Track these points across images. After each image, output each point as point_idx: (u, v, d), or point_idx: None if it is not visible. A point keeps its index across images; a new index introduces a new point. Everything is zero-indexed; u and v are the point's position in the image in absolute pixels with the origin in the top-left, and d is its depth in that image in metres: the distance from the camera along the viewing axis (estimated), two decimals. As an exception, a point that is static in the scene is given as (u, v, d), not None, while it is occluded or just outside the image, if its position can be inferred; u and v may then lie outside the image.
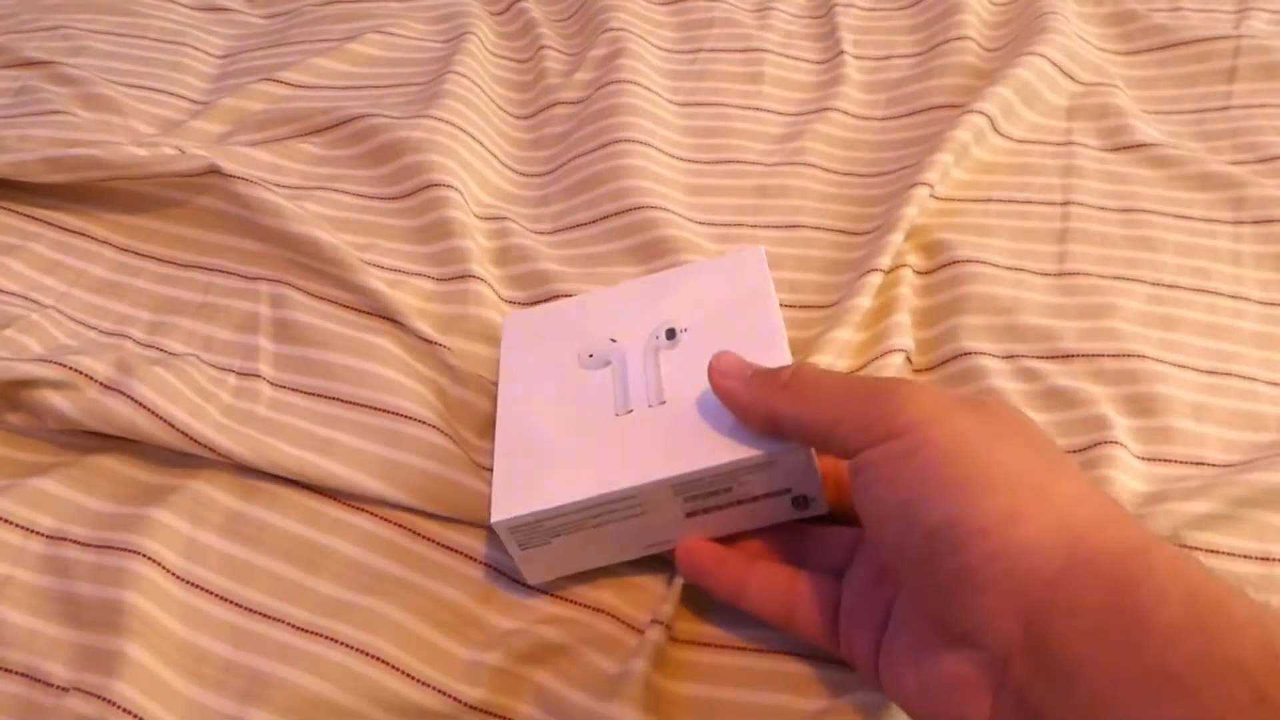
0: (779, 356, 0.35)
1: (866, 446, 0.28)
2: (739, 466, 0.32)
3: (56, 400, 0.40)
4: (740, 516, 0.34)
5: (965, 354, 0.41)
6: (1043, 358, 0.41)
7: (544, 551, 0.35)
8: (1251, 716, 0.21)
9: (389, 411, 0.40)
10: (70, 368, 0.40)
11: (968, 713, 0.26)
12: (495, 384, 0.42)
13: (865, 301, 0.42)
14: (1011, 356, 0.42)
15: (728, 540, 0.35)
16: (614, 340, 0.38)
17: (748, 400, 0.32)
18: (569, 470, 0.34)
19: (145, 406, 0.39)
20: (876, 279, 0.43)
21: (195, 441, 0.39)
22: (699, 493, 0.33)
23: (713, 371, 0.33)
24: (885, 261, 0.44)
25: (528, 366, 0.38)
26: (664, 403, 0.35)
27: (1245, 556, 0.36)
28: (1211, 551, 0.36)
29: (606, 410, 0.36)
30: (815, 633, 0.33)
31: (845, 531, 0.35)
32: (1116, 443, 0.38)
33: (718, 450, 0.33)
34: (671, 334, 0.37)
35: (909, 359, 0.42)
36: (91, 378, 0.40)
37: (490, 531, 0.39)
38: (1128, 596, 0.23)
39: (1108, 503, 0.27)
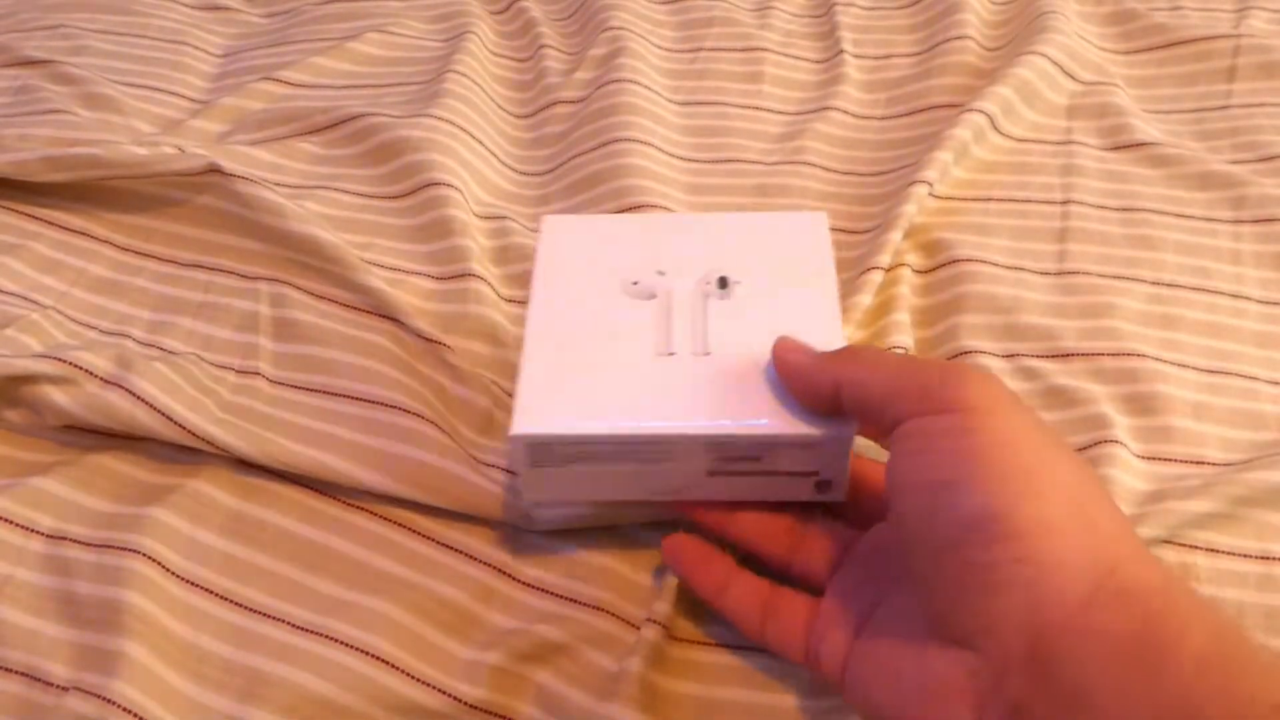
0: (832, 328, 0.35)
1: (919, 414, 0.27)
2: (782, 440, 0.32)
3: (56, 395, 0.40)
4: (760, 487, 0.34)
5: (965, 353, 0.41)
6: (1042, 357, 0.41)
7: (552, 474, 0.34)
8: None
9: (388, 406, 0.40)
10: (70, 363, 0.40)
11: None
12: (495, 380, 0.42)
13: (866, 299, 0.42)
14: (1011, 355, 0.42)
15: (731, 508, 0.35)
16: (662, 273, 0.37)
17: (811, 367, 0.31)
18: (603, 399, 0.33)
19: (145, 400, 0.39)
20: (877, 277, 0.43)
21: (194, 435, 0.39)
22: (730, 455, 0.33)
23: (777, 347, 0.32)
24: (885, 259, 0.44)
25: (566, 277, 0.37)
26: (709, 354, 0.34)
27: (1245, 556, 0.36)
28: (1211, 550, 0.36)
29: (646, 346, 0.35)
30: (786, 646, 0.32)
31: (842, 532, 0.34)
32: (1116, 441, 0.38)
33: (764, 418, 0.32)
34: (724, 283, 0.36)
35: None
36: (91, 373, 0.40)
37: (490, 527, 0.39)
38: (1153, 627, 0.23)
39: (1139, 540, 0.26)
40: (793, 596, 0.33)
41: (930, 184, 0.46)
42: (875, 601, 0.31)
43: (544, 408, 0.33)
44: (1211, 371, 0.41)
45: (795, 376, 0.32)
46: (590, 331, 0.35)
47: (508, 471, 0.39)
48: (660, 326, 0.35)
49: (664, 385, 0.33)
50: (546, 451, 0.33)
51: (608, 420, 0.33)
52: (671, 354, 0.34)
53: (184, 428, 0.39)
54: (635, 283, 0.37)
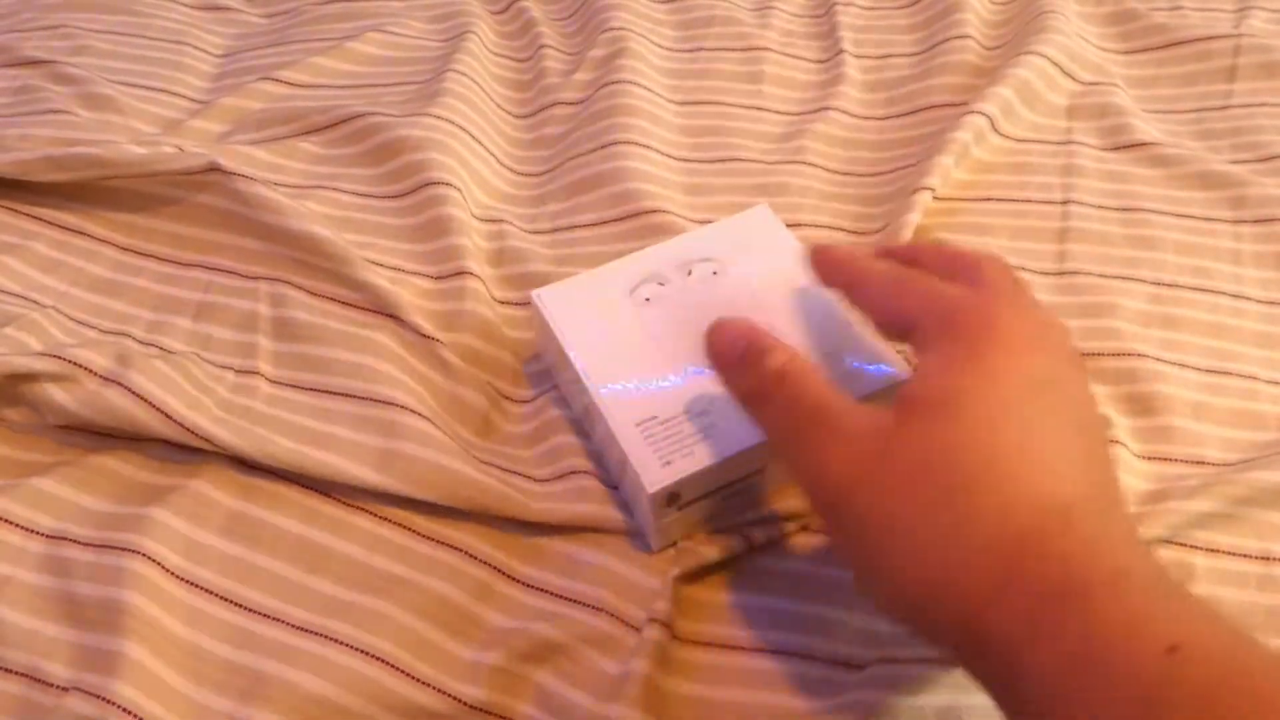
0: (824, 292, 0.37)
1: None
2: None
3: (56, 393, 0.40)
4: None
5: None
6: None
7: (678, 517, 0.36)
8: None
9: (386, 403, 0.40)
10: (69, 360, 0.40)
11: None
12: (490, 380, 0.42)
13: None
14: None
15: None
16: (662, 284, 0.39)
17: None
18: (705, 429, 0.35)
19: (143, 398, 0.39)
20: None
21: (193, 433, 0.39)
22: None
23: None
24: None
25: (591, 331, 0.38)
26: None
27: (1245, 555, 0.36)
28: (1212, 550, 0.36)
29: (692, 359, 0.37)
30: None
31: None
32: (1117, 442, 0.38)
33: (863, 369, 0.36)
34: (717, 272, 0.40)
35: (907, 359, 0.42)
36: (91, 370, 0.40)
37: (489, 526, 0.39)
38: (1055, 647, 0.24)
39: (1024, 516, 0.26)
40: None
41: (934, 190, 0.46)
42: None
43: (663, 456, 0.35)
44: (1212, 371, 0.41)
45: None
46: (648, 374, 0.37)
47: (505, 470, 0.39)
48: (695, 337, 0.36)
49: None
50: (679, 498, 0.35)
51: (728, 442, 0.35)
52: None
53: (183, 425, 0.39)
54: (647, 299, 0.39)
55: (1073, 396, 0.29)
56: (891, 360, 0.37)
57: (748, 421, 0.33)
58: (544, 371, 0.43)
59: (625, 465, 0.35)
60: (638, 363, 0.37)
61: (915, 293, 0.31)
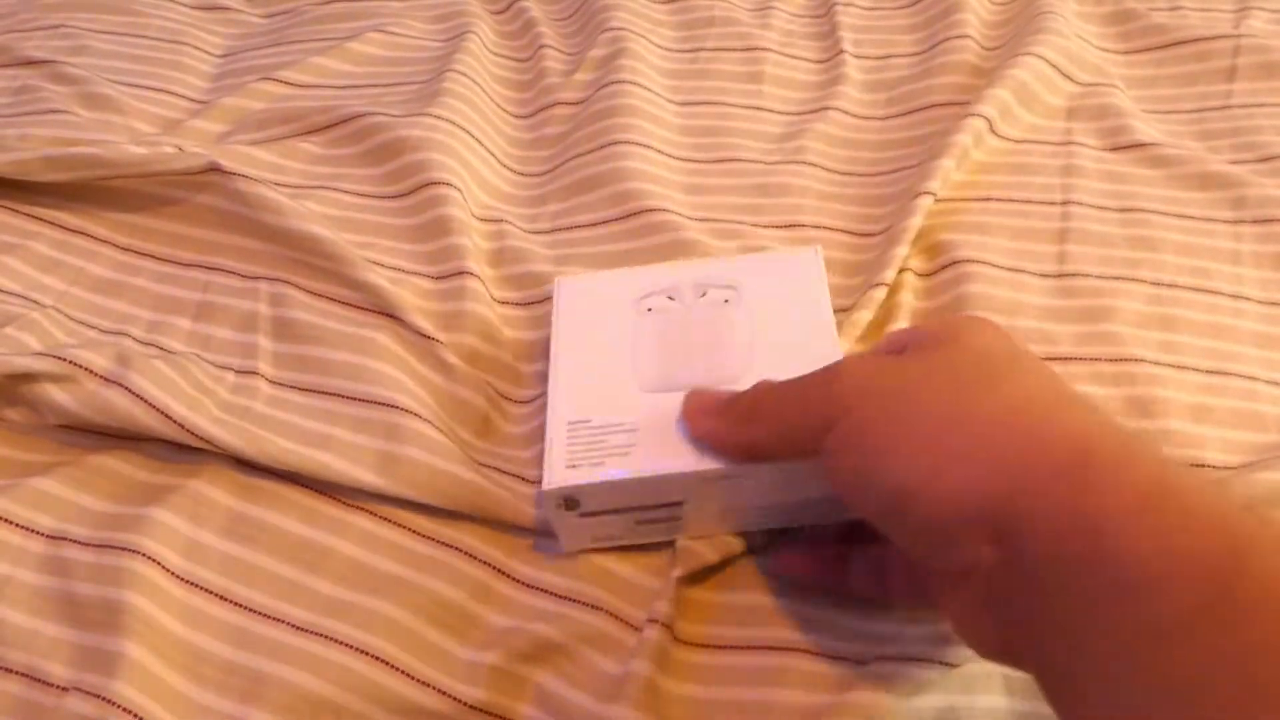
0: (831, 350, 0.37)
1: (821, 439, 0.29)
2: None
3: (56, 393, 0.40)
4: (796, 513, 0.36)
5: None
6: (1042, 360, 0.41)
7: (588, 523, 0.36)
8: (1210, 614, 0.21)
9: (386, 405, 0.40)
10: (69, 360, 0.40)
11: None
12: (490, 381, 0.42)
13: (868, 315, 0.42)
14: None
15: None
16: (671, 299, 0.39)
17: (726, 436, 0.33)
18: (632, 443, 0.35)
19: (143, 398, 0.39)
20: (880, 294, 0.43)
21: (192, 434, 0.39)
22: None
23: (686, 412, 0.34)
24: (890, 275, 0.43)
25: (583, 326, 0.39)
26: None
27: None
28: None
29: (662, 380, 0.36)
30: (867, 588, 0.35)
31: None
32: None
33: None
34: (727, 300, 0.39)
35: None
36: (91, 370, 0.40)
37: (488, 527, 0.39)
38: (1081, 502, 0.24)
39: (1036, 408, 0.27)
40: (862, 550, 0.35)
41: (935, 195, 0.46)
42: None
43: (572, 459, 0.34)
44: (1211, 372, 0.41)
45: (714, 442, 0.33)
46: (609, 379, 0.37)
47: (503, 473, 0.39)
48: (674, 358, 0.37)
49: (676, 428, 0.35)
50: (578, 504, 0.35)
51: (640, 464, 0.34)
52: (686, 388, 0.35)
53: (182, 426, 0.39)
54: (650, 310, 0.39)
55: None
56: None
57: (673, 451, 0.33)
58: (543, 373, 0.43)
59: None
60: (606, 367, 0.37)
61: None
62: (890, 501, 0.27)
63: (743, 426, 0.32)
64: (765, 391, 0.32)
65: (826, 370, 0.30)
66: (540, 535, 0.38)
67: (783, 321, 0.38)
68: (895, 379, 0.29)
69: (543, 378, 0.43)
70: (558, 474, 0.34)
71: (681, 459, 0.34)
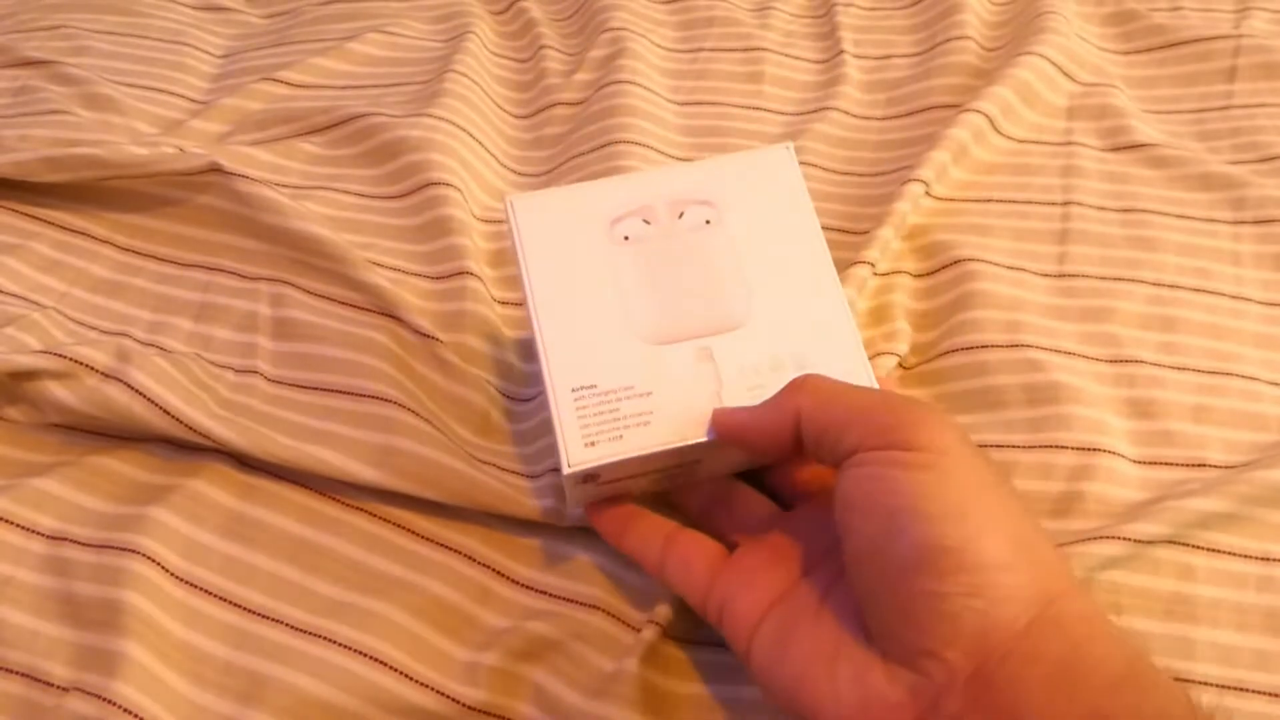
0: (826, 272, 0.35)
1: (876, 448, 0.28)
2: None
3: (56, 390, 0.40)
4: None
5: (976, 347, 0.41)
6: (1046, 349, 0.41)
7: (596, 488, 0.34)
8: None
9: (382, 399, 0.40)
10: (70, 358, 0.40)
11: None
12: (490, 380, 0.42)
13: (850, 293, 0.42)
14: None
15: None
16: (647, 222, 0.35)
17: (760, 418, 0.31)
18: (644, 416, 0.33)
19: (142, 394, 0.39)
20: (863, 271, 0.43)
21: (191, 429, 0.39)
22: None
23: (715, 423, 0.32)
24: (874, 255, 0.44)
25: (559, 269, 0.35)
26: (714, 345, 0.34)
27: (1245, 556, 0.36)
28: (1213, 551, 0.36)
29: (656, 334, 0.34)
30: (686, 582, 0.33)
31: (765, 505, 0.35)
32: (1115, 452, 0.38)
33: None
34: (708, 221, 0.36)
35: (900, 364, 0.42)
36: (91, 367, 0.40)
37: (487, 527, 0.39)
38: (1080, 652, 0.25)
39: (1072, 574, 0.28)
40: (700, 537, 0.34)
41: (926, 183, 0.46)
42: (794, 577, 0.31)
43: (588, 435, 0.32)
44: (1212, 373, 0.41)
45: (746, 435, 0.31)
46: (604, 331, 0.34)
47: (505, 470, 0.39)
48: (670, 302, 0.34)
49: (691, 387, 0.33)
50: (597, 477, 0.33)
51: (664, 435, 0.32)
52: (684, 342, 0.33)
53: (181, 422, 0.39)
54: (626, 238, 0.35)
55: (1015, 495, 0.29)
56: (861, 369, 0.34)
57: (696, 416, 0.32)
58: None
59: (552, 426, 0.33)
60: (594, 314, 0.34)
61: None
62: (929, 555, 0.26)
63: (792, 397, 0.31)
64: (825, 379, 0.31)
65: (915, 400, 0.30)
66: (540, 527, 0.38)
67: (768, 234, 0.35)
68: (980, 460, 0.28)
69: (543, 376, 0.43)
70: (577, 453, 0.32)
71: (706, 425, 0.32)
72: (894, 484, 0.27)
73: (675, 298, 0.34)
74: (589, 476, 0.32)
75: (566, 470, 0.32)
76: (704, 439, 0.32)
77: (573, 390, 0.33)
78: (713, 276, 0.35)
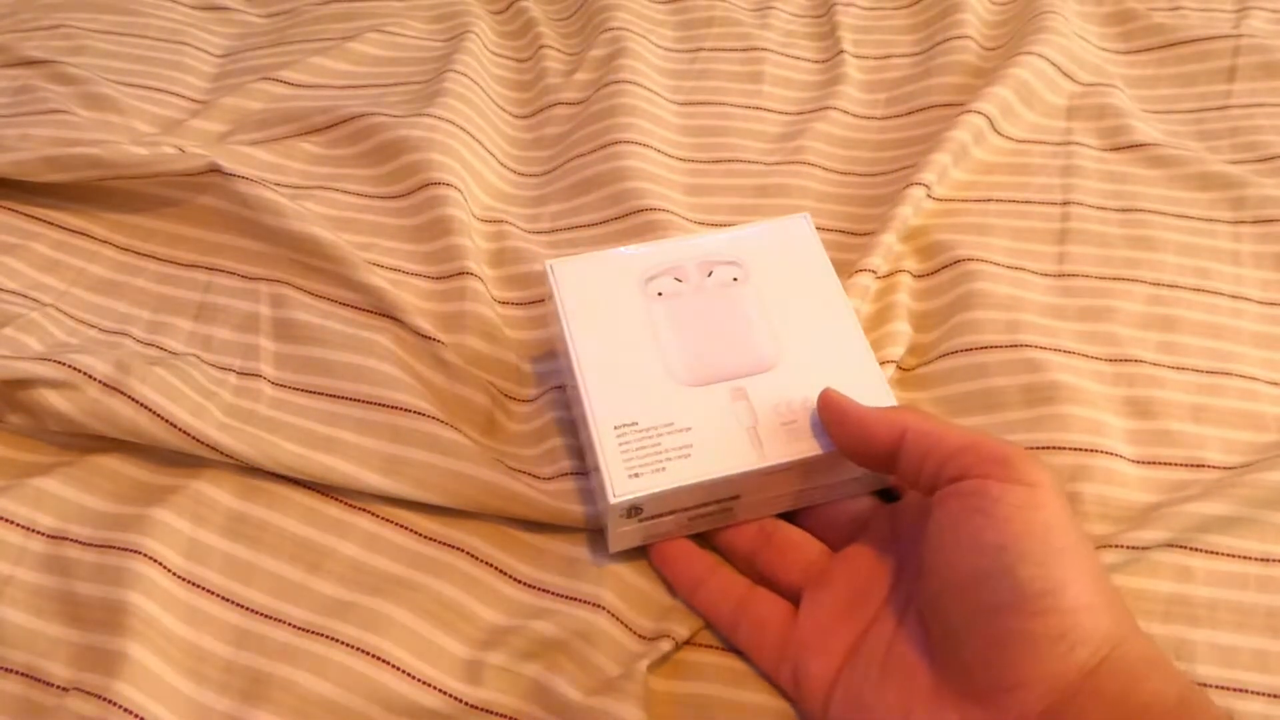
0: (852, 329, 0.37)
1: (990, 479, 0.29)
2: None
3: (56, 401, 0.40)
4: (820, 493, 0.37)
5: (975, 348, 0.41)
6: (1046, 348, 0.41)
7: (639, 528, 0.36)
8: None
9: (389, 406, 0.40)
10: (70, 366, 0.40)
11: None
12: (492, 380, 0.42)
13: (855, 302, 0.42)
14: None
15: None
16: (680, 280, 0.38)
17: (871, 415, 0.32)
18: (686, 450, 0.34)
19: (147, 407, 0.39)
20: (866, 279, 0.43)
21: (199, 442, 0.39)
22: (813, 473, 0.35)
23: (828, 396, 0.34)
24: (877, 262, 0.44)
25: (597, 322, 0.37)
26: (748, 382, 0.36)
27: (1245, 557, 0.36)
28: (1212, 553, 0.36)
29: (691, 376, 0.36)
30: (757, 648, 0.34)
31: (811, 543, 0.36)
32: (1113, 453, 0.38)
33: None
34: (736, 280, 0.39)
35: (899, 368, 0.42)
36: (91, 376, 0.40)
37: (490, 526, 0.39)
38: (1138, 687, 0.27)
39: (1131, 612, 0.29)
40: (772, 597, 0.35)
41: (928, 187, 0.46)
42: (860, 630, 0.32)
43: (632, 467, 0.34)
44: (1211, 373, 0.41)
45: (853, 423, 0.32)
46: (642, 376, 0.36)
47: (512, 470, 0.39)
48: (704, 347, 0.36)
49: (728, 423, 0.35)
50: (640, 510, 0.34)
51: (706, 467, 0.34)
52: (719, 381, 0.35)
53: (187, 434, 0.39)
54: (660, 294, 0.38)
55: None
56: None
57: (736, 449, 0.33)
58: (546, 372, 0.43)
59: (595, 465, 0.35)
60: (633, 361, 0.36)
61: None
62: (1029, 591, 0.27)
63: (900, 414, 0.32)
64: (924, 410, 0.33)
65: (1017, 444, 0.30)
66: (542, 526, 0.38)
67: (792, 291, 0.38)
68: (1070, 510, 0.29)
69: (545, 377, 0.43)
70: (622, 484, 0.33)
71: (746, 456, 0.34)
72: (1002, 521, 0.28)
73: (709, 343, 0.37)
74: (633, 510, 0.34)
75: (613, 500, 0.33)
76: (744, 470, 0.33)
77: (615, 427, 0.35)
78: (743, 324, 0.37)
